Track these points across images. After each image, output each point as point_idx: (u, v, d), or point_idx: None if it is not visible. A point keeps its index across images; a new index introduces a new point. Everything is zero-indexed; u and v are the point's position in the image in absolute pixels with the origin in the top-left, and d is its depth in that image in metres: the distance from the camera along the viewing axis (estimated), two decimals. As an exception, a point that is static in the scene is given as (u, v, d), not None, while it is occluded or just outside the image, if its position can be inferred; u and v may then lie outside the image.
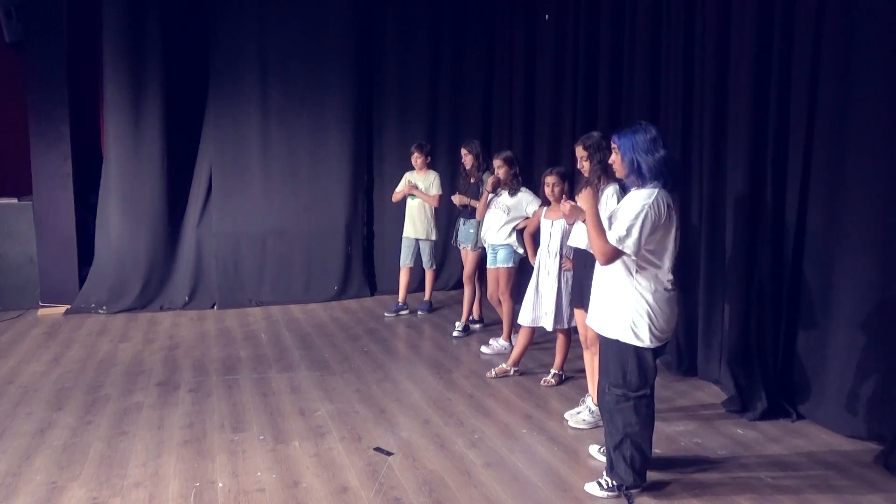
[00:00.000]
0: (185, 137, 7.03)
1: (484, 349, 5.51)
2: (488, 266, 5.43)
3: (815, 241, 4.06)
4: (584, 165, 4.03)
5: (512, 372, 4.91)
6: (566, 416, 4.16)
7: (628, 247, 2.97)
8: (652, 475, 3.36)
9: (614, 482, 3.23)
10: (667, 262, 3.09)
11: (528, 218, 5.24)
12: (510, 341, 5.48)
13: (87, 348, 5.58)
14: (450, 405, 4.42)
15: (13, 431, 3.95)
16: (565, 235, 4.46)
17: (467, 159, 5.98)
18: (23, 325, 6.27)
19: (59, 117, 6.61)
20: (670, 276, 3.11)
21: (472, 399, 4.53)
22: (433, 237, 6.62)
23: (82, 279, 6.82)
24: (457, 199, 5.96)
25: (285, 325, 6.38)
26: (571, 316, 4.49)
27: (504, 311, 5.43)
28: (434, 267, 6.77)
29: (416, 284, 7.05)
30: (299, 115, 7.25)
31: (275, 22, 7.08)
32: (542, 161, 6.69)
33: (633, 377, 3.12)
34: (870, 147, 3.71)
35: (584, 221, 3.26)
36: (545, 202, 4.70)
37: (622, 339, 3.11)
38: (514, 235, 5.25)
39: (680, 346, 5.00)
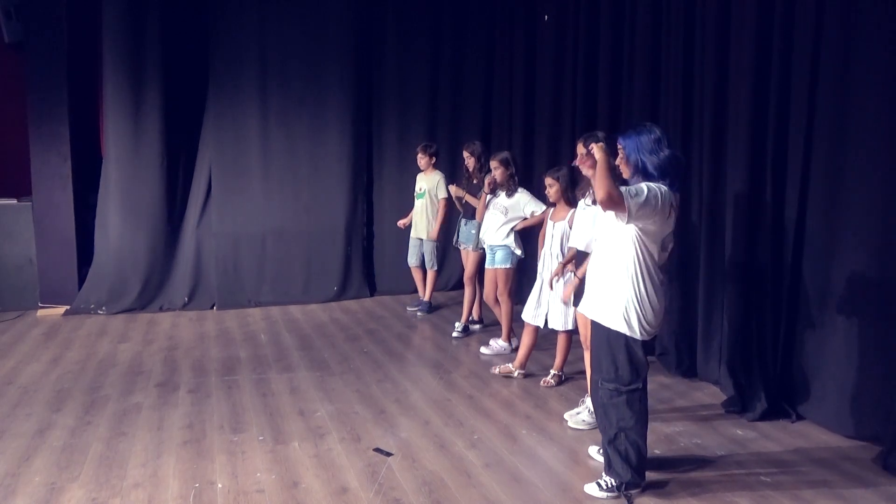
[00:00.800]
0: (185, 138, 7.03)
1: (483, 350, 5.51)
2: (486, 266, 5.43)
3: (815, 241, 4.06)
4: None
5: (517, 374, 4.89)
6: (566, 416, 4.15)
7: (631, 205, 2.96)
8: (651, 475, 3.36)
9: (613, 482, 3.24)
10: (661, 255, 3.16)
11: (525, 219, 5.24)
12: (509, 342, 5.49)
13: (87, 349, 5.58)
14: (449, 406, 4.42)
15: (12, 432, 3.95)
16: (565, 237, 4.48)
17: (469, 161, 6.00)
18: (22, 326, 6.26)
19: (59, 118, 6.61)
20: (661, 275, 3.18)
21: (472, 400, 4.52)
22: (435, 237, 6.63)
23: (82, 280, 6.81)
24: (453, 188, 6.04)
25: (285, 325, 6.37)
26: (570, 317, 4.49)
27: (502, 312, 5.43)
28: (436, 267, 6.77)
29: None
30: (299, 115, 7.25)
31: (275, 22, 7.08)
32: (542, 161, 6.69)
33: (624, 371, 3.17)
34: (870, 147, 3.70)
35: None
36: (548, 203, 4.71)
37: (613, 327, 3.16)
38: (511, 236, 5.25)
39: (679, 347, 5.00)
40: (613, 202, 2.95)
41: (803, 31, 4.04)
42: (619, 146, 3.21)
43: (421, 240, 6.67)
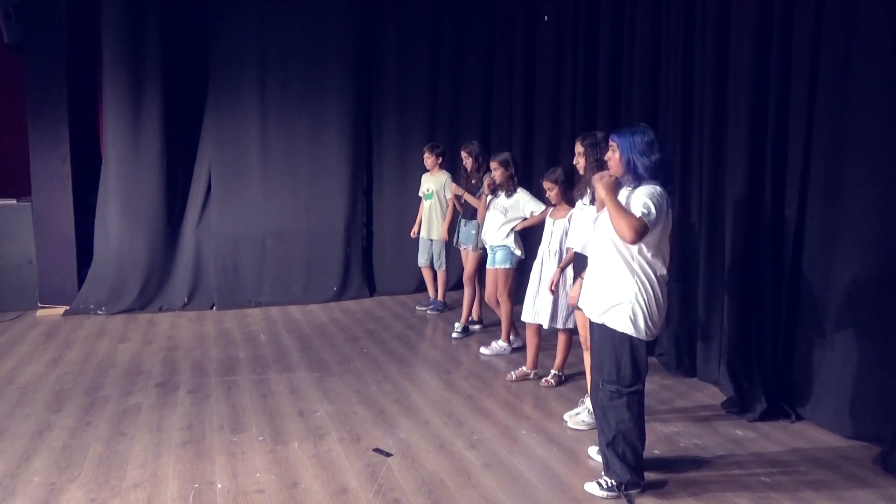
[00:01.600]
0: (185, 138, 7.03)
1: (483, 350, 5.51)
2: (487, 267, 5.43)
3: (814, 242, 4.06)
4: (579, 162, 4.05)
5: (532, 375, 4.88)
6: (565, 416, 4.15)
7: (651, 221, 3.00)
8: (651, 475, 3.36)
9: (613, 482, 3.24)
10: (663, 255, 3.17)
11: (525, 219, 5.24)
12: (509, 342, 5.48)
13: (86, 349, 5.57)
14: (449, 406, 4.41)
15: (12, 432, 3.95)
16: (565, 235, 4.48)
17: (467, 161, 6.01)
18: (22, 326, 6.26)
19: (59, 118, 6.61)
20: (664, 271, 3.18)
21: (472, 400, 4.52)
22: (444, 237, 6.63)
23: (81, 280, 6.81)
24: (452, 186, 6.06)
25: (284, 325, 6.37)
26: (570, 316, 4.49)
27: (502, 312, 5.42)
28: (444, 267, 6.78)
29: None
30: (299, 115, 7.24)
31: (275, 22, 7.08)
32: (541, 161, 6.69)
33: (626, 371, 3.17)
34: (869, 148, 3.70)
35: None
36: (548, 204, 4.71)
37: (619, 329, 3.15)
38: (511, 236, 5.25)
39: (679, 347, 5.00)
40: (640, 234, 2.98)
41: (803, 32, 4.04)
42: (611, 142, 3.23)
43: (431, 240, 6.69)
